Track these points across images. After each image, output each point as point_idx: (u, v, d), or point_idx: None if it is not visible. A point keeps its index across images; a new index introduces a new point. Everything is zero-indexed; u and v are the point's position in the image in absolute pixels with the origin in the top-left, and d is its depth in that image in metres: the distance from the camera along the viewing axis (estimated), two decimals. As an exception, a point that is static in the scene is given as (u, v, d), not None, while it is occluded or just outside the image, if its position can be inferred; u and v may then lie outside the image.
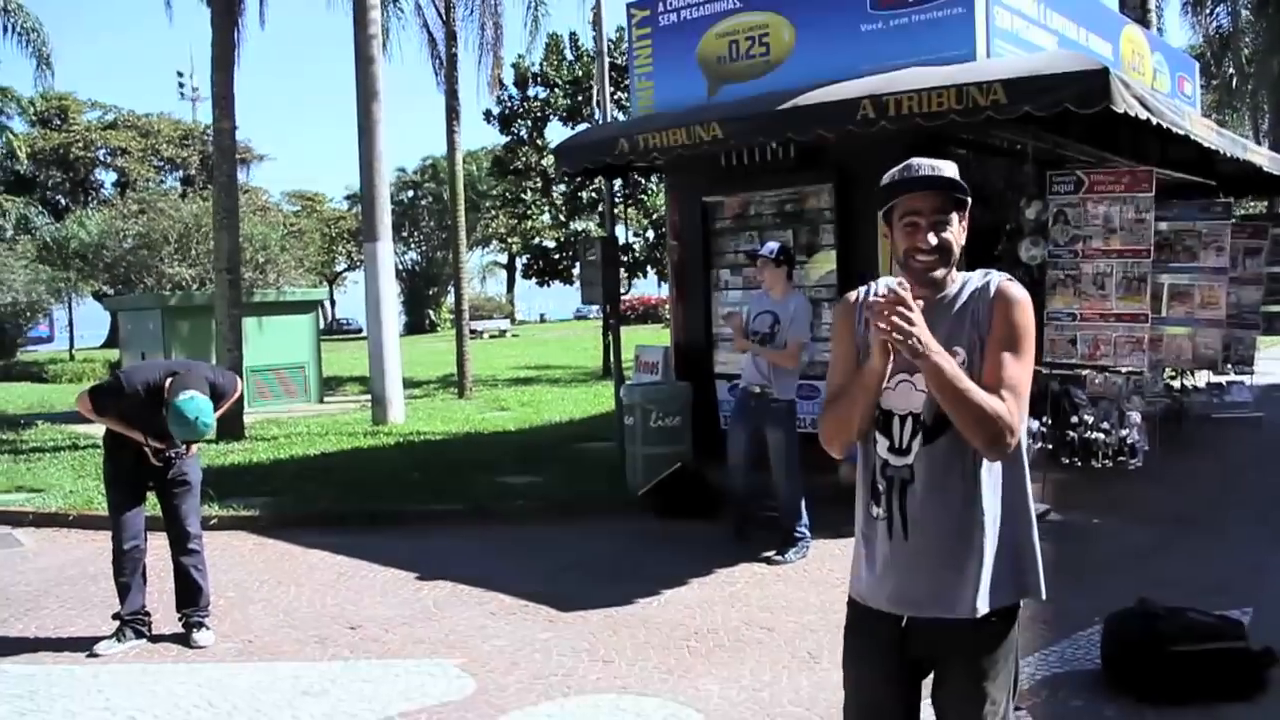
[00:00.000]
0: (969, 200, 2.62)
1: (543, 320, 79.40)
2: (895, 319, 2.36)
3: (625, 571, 6.92)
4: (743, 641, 5.45)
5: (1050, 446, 8.17)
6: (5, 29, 27.58)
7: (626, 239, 21.07)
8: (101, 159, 65.02)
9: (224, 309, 13.28)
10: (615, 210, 11.51)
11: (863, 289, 2.71)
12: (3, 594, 6.95)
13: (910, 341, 2.36)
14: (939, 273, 2.61)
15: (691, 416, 9.03)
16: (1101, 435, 8.04)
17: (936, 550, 2.60)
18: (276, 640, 5.78)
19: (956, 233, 2.62)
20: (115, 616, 5.83)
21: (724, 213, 9.91)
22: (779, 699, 4.64)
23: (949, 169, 2.62)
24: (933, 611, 2.61)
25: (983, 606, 2.57)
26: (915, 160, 2.65)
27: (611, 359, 10.89)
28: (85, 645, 5.77)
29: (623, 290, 11.06)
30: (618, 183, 11.32)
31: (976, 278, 2.63)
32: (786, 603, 6.07)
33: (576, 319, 77.23)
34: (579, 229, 24.87)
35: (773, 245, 7.48)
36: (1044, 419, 8.11)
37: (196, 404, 5.39)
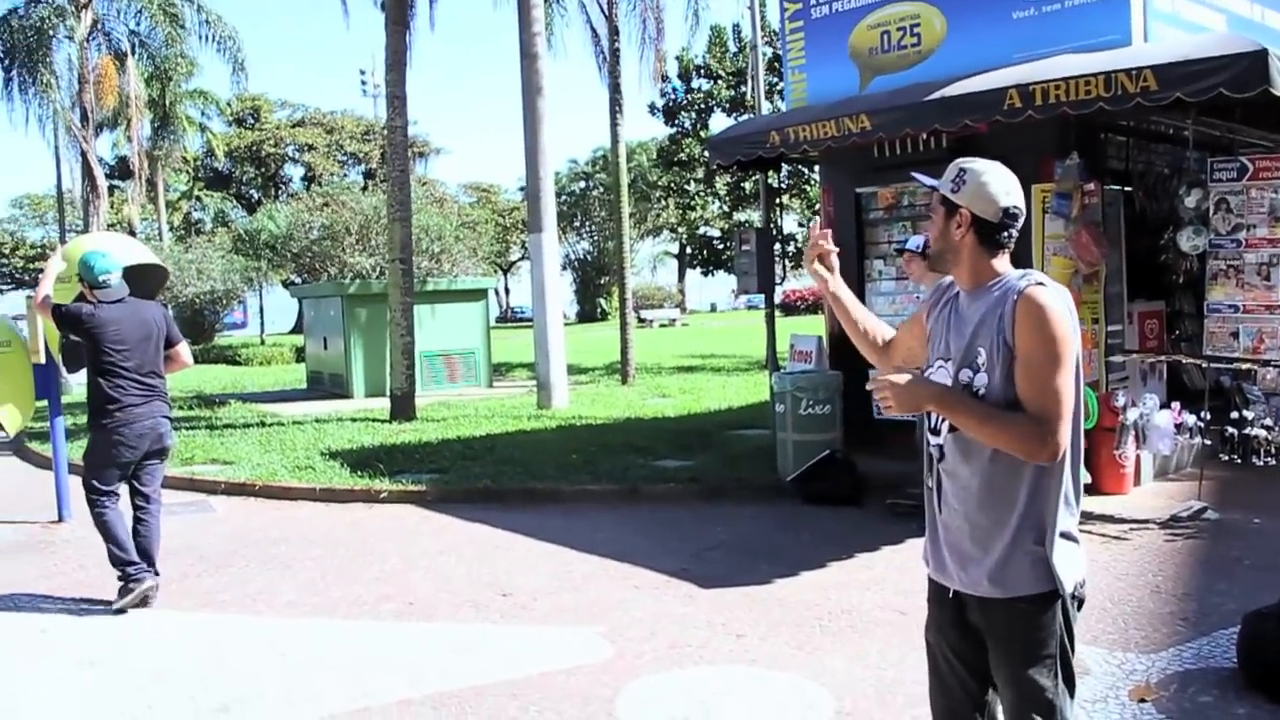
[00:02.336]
0: (955, 202, 2.70)
1: (713, 309, 79.68)
2: (888, 393, 2.60)
3: (766, 553, 7.12)
4: (874, 623, 5.60)
5: (1209, 443, 8.02)
6: (206, 38, 29.47)
7: (786, 229, 21.15)
8: (290, 155, 67.95)
9: (397, 296, 13.96)
10: (773, 201, 11.67)
11: (945, 279, 2.89)
12: (198, 552, 7.60)
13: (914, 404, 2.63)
14: (939, 266, 2.81)
15: (843, 405, 9.15)
16: (1264, 433, 7.83)
17: (957, 528, 2.74)
18: (434, 603, 6.19)
19: (939, 231, 2.76)
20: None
21: (877, 204, 9.97)
22: (903, 679, 4.78)
23: (954, 170, 2.74)
24: (962, 586, 2.75)
25: (996, 589, 2.65)
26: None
27: (768, 347, 11.06)
28: (266, 599, 6.32)
29: (779, 280, 11.20)
30: (782, 173, 11.48)
31: (1014, 277, 2.67)
32: (923, 587, 6.15)
33: (747, 309, 77.24)
34: (743, 219, 25.04)
35: (918, 239, 7.56)
36: (1202, 414, 7.96)
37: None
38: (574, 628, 5.68)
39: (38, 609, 6.43)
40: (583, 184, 66.46)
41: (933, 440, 2.81)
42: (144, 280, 8.92)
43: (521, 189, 69.29)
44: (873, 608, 5.85)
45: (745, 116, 23.85)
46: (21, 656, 5.55)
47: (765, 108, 10.95)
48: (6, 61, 28.81)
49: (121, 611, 6.16)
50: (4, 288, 68.70)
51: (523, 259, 71.89)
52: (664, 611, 5.90)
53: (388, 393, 16.50)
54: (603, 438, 11.43)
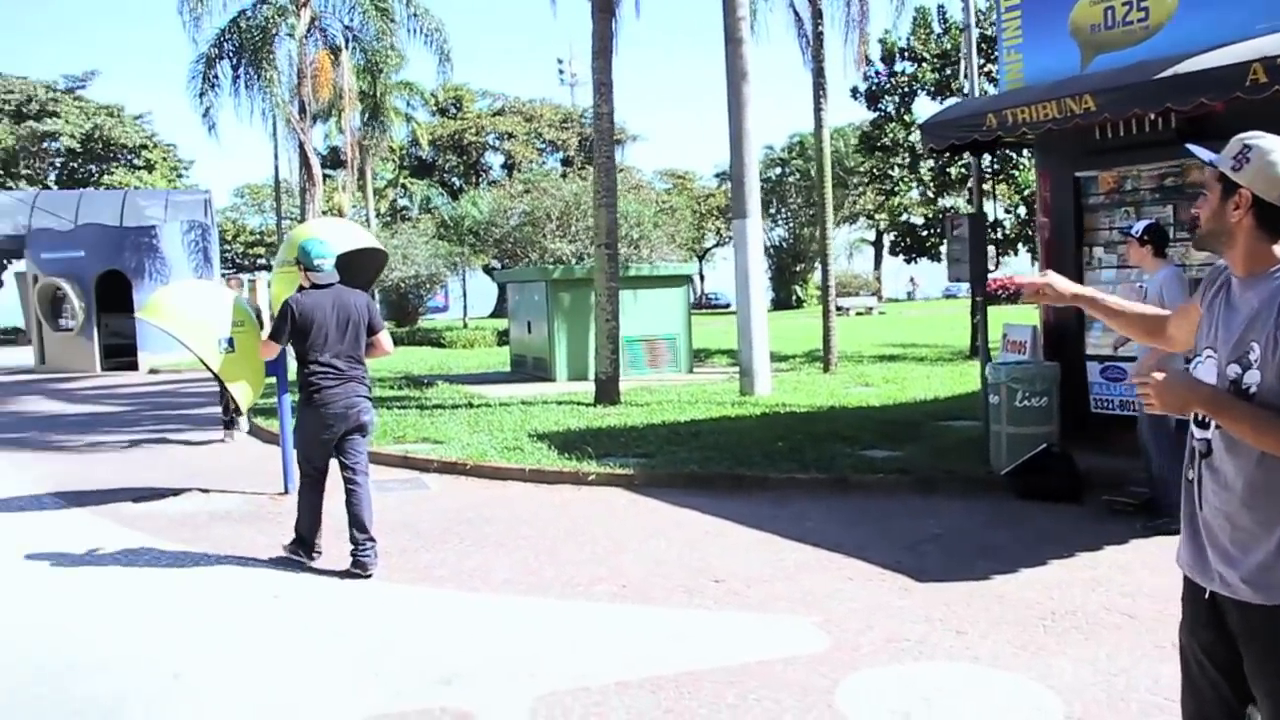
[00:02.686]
0: (1234, 181, 2.52)
1: (909, 298, 78.14)
2: (1152, 392, 2.49)
3: (982, 548, 6.94)
4: (1100, 625, 5.38)
5: None
6: (415, 31, 30.48)
7: (996, 215, 20.52)
8: (491, 143, 69.68)
9: (602, 282, 14.15)
10: (984, 186, 11.33)
11: (1220, 262, 2.72)
12: (414, 529, 7.88)
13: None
14: (1207, 246, 2.66)
15: (1060, 398, 8.84)
16: None
17: (1218, 526, 2.56)
18: (647, 587, 6.25)
19: (1212, 210, 2.59)
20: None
21: (1097, 188, 9.57)
22: (1135, 686, 4.58)
23: (1235, 145, 2.55)
24: (1220, 587, 2.57)
25: (1258, 595, 2.46)
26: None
27: (979, 337, 10.76)
28: (481, 576, 6.50)
29: (991, 268, 10.87)
30: (986, 158, 11.11)
31: None
32: (1150, 590, 5.90)
33: (945, 297, 75.41)
34: (947, 205, 24.48)
35: (1140, 224, 7.23)
36: None
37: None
38: (789, 617, 5.65)
39: (269, 576, 6.78)
40: (778, 170, 66.05)
41: (1199, 434, 2.63)
42: (365, 263, 9.32)
43: (717, 175, 69.51)
44: (1098, 609, 5.63)
45: (950, 100, 23.25)
46: (254, 620, 5.85)
47: (977, 90, 10.60)
48: (235, 59, 30.40)
49: (287, 558, 7.04)
50: (226, 271, 72.59)
51: (717, 246, 72.02)
52: (880, 604, 5.81)
53: (590, 376, 16.77)
54: (807, 426, 11.34)
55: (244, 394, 9.01)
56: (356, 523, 6.71)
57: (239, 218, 75.28)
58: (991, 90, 15.19)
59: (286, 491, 9.26)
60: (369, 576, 6.59)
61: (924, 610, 5.66)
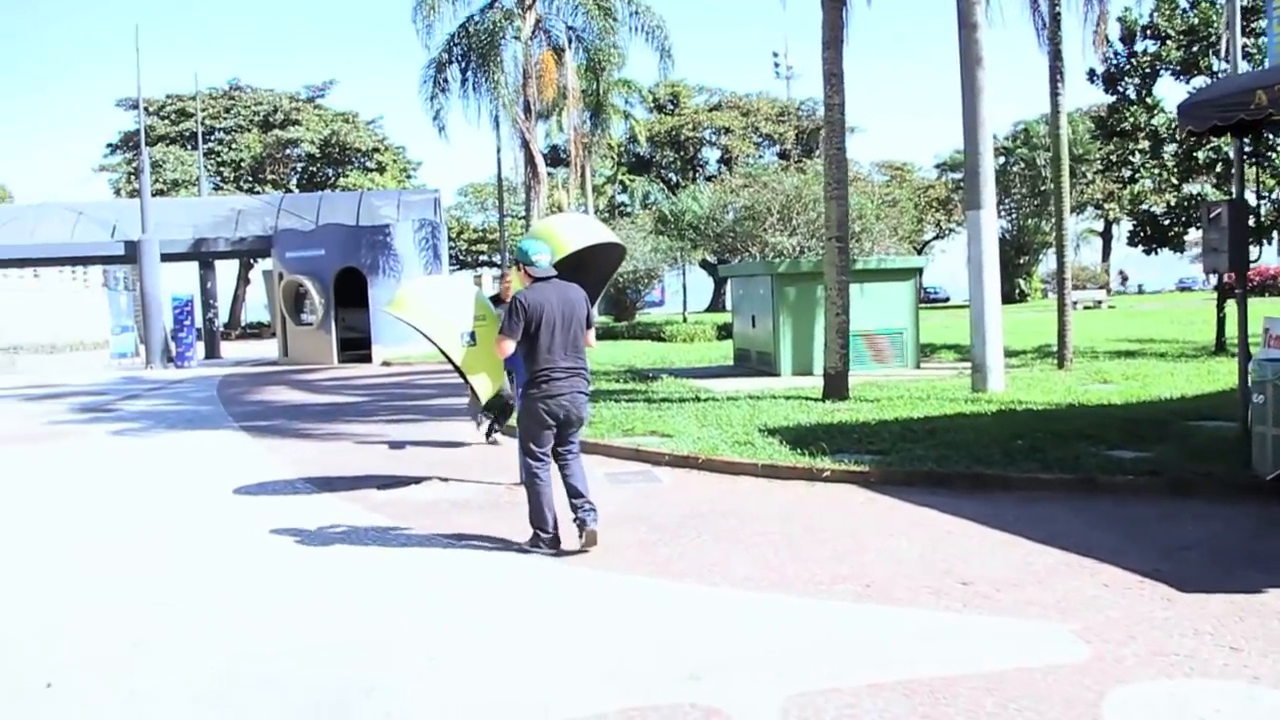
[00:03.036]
0: None
1: (1140, 291, 74.62)
2: None
3: (1252, 558, 6.49)
4: (1399, 646, 4.95)
5: None
6: (636, 29, 30.83)
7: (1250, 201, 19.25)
8: (707, 138, 69.91)
9: (833, 275, 13.93)
10: (1245, 169, 10.61)
11: None
12: (650, 521, 7.92)
13: None
14: None
15: (1332, 396, 8.20)
16: None
17: None
18: (891, 587, 6.09)
19: None
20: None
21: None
22: None
23: None
24: None
25: None
26: None
27: (1238, 332, 10.10)
28: (721, 571, 6.47)
29: (1253, 259, 10.15)
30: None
31: None
32: None
33: (1179, 290, 71.57)
34: (1192, 192, 23.10)
35: None
36: None
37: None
38: (1044, 623, 5.39)
39: (512, 564, 6.92)
40: (1002, 160, 64.00)
41: None
42: (602, 259, 9.42)
43: (937, 166, 68.02)
44: (1397, 632, 5.17)
45: (1198, 79, 21.97)
46: (501, 608, 5.97)
47: (1238, 66, 9.94)
48: (463, 63, 31.41)
49: (525, 552, 7.26)
50: (451, 268, 75.17)
51: (936, 238, 70.33)
52: (1141, 613, 5.49)
53: (815, 371, 16.60)
54: (1046, 424, 10.88)
55: (484, 386, 9.24)
56: (573, 491, 7.22)
57: (463, 215, 77.87)
58: (1246, 68, 14.28)
59: (521, 482, 9.46)
60: (593, 532, 7.09)
61: (1191, 623, 5.32)
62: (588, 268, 9.08)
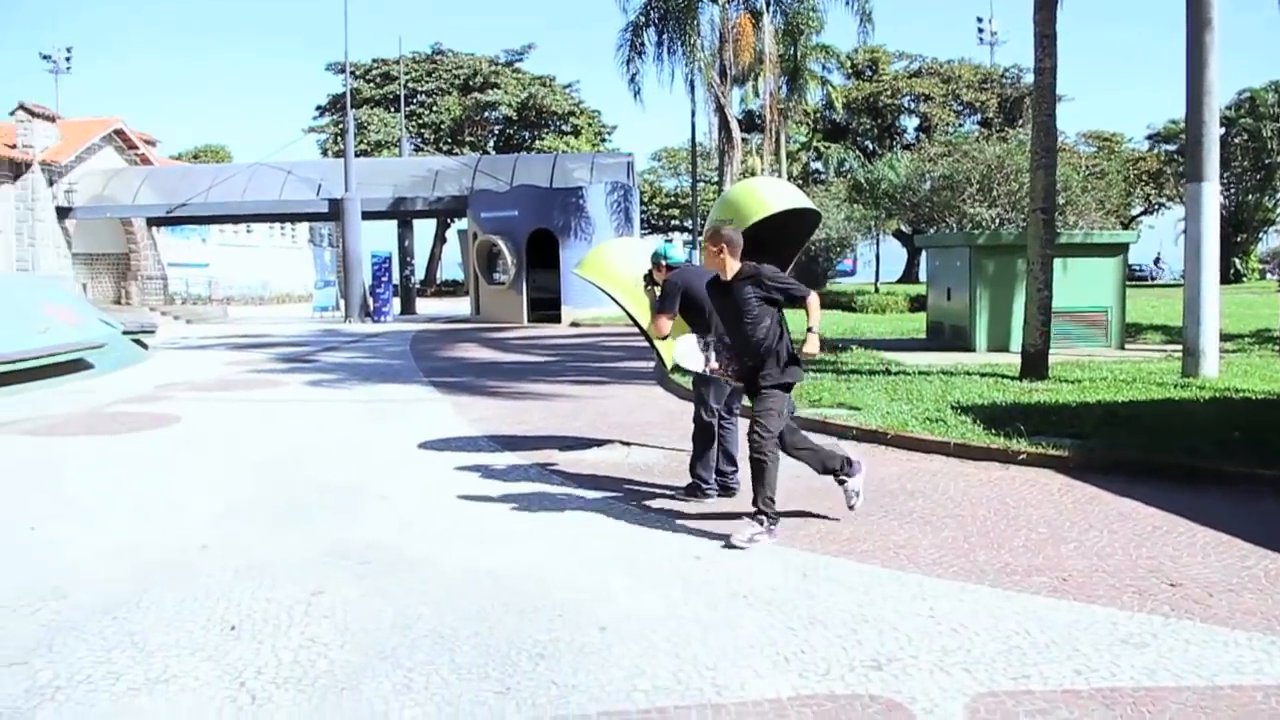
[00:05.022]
0: None
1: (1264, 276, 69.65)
2: None
3: None
4: None
5: None
6: (839, -6, 30.24)
7: None
8: (905, 105, 68.22)
9: (1036, 248, 13.23)
10: None
11: None
12: (835, 497, 7.64)
13: None
14: None
15: None
16: None
17: None
18: (1091, 583, 5.68)
19: None
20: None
21: None
22: None
23: None
24: None
25: None
26: None
27: None
28: (908, 554, 6.17)
29: None
30: None
31: None
32: None
33: None
34: None
35: None
36: None
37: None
38: (1265, 635, 4.93)
39: (690, 533, 6.77)
40: (1222, 130, 60.34)
41: None
42: (798, 223, 9.16)
43: (1149, 138, 64.60)
44: None
45: None
46: (677, 578, 5.80)
47: None
48: (659, 26, 31.31)
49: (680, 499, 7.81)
50: (642, 232, 75.61)
51: (1144, 213, 67.01)
52: (1383, 632, 4.97)
53: (1012, 348, 15.93)
54: (1268, 415, 10.12)
55: (669, 353, 9.12)
56: (728, 456, 7.81)
57: (655, 180, 78.10)
58: None
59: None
60: (732, 494, 7.69)
61: None
62: (782, 233, 8.84)
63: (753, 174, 39.26)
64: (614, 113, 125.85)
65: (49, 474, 9.14)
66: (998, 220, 27.46)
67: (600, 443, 10.05)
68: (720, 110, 31.55)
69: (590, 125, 68.92)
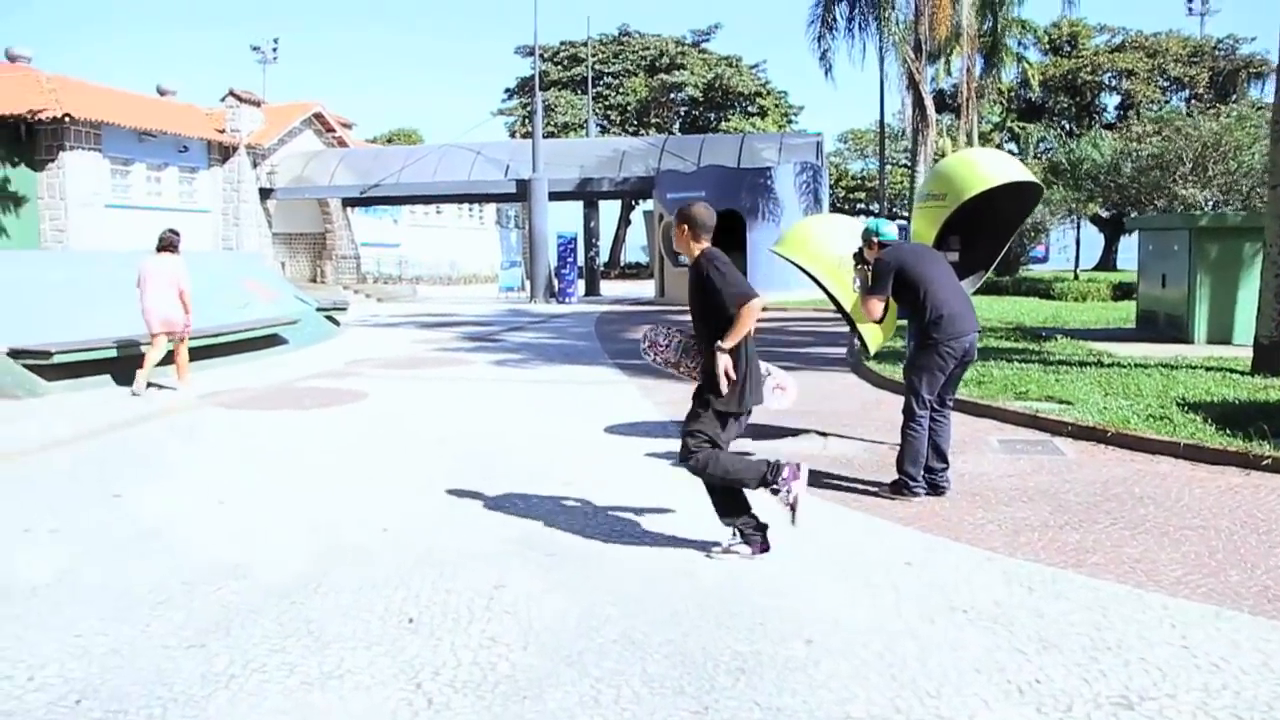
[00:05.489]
0: None
1: None
2: None
3: None
4: None
5: None
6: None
7: None
8: (1106, 82, 65.13)
9: (1274, 229, 11.99)
10: None
11: None
12: (1056, 500, 7.04)
13: None
14: None
15: None
16: None
17: None
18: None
19: None
20: None
21: None
22: None
23: None
24: None
25: None
26: None
27: None
28: (1145, 569, 5.53)
29: None
30: None
31: None
32: None
33: None
34: None
35: None
36: None
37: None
38: None
39: (901, 538, 6.25)
40: None
41: None
42: (1014, 200, 8.52)
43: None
44: None
45: None
46: (892, 585, 5.31)
47: None
48: (852, 1, 30.50)
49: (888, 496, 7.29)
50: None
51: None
52: None
53: (1236, 340, 14.82)
54: None
55: (873, 338, 8.61)
56: (938, 452, 7.19)
57: (841, 163, 76.73)
58: None
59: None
60: (943, 493, 7.14)
61: None
62: (997, 209, 8.24)
63: (944, 155, 37.92)
64: (801, 94, 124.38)
65: (240, 448, 9.22)
66: (1212, 203, 25.76)
67: (795, 432, 9.59)
68: (914, 87, 30.55)
69: (777, 106, 68.08)
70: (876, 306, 7.19)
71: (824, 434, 9.49)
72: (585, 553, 5.97)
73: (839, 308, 8.74)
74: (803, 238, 8.80)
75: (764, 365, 6.25)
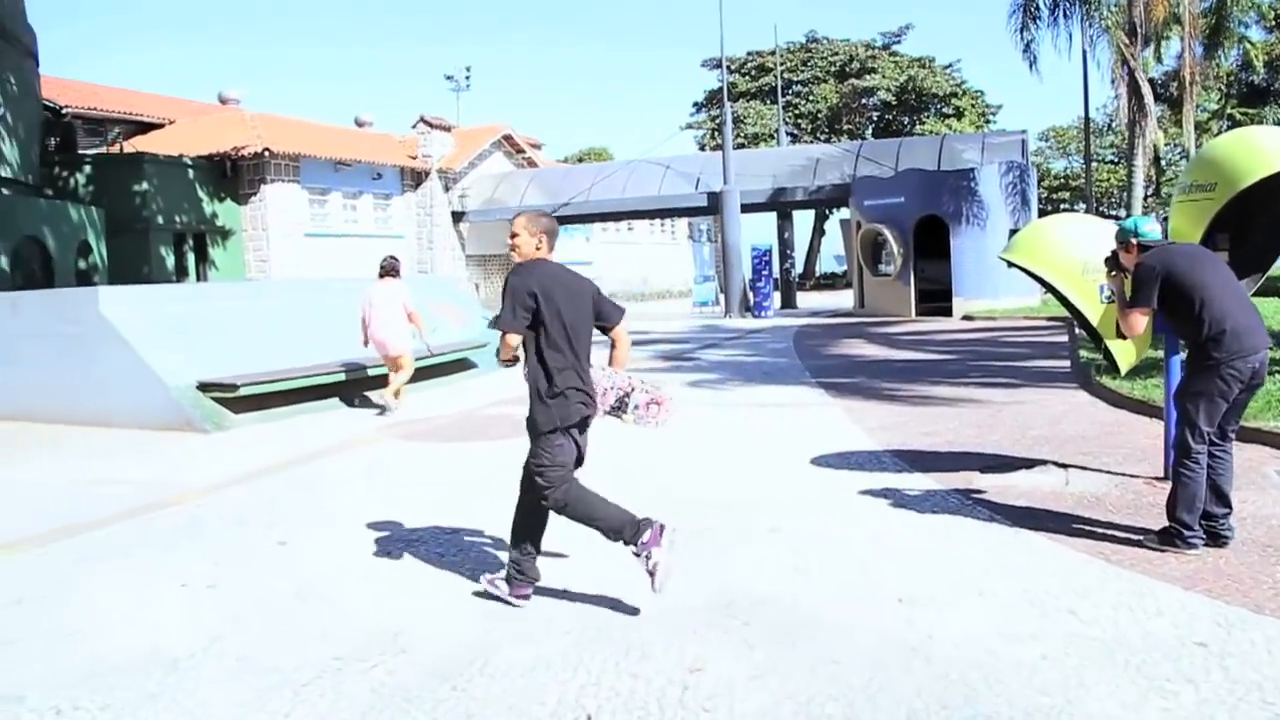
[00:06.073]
0: None
1: None
2: None
3: None
4: None
5: None
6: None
7: None
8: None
9: None
10: None
11: None
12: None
13: None
14: None
15: None
16: None
17: None
18: None
19: None
20: None
21: None
22: None
23: None
24: None
25: None
26: None
27: None
28: None
29: None
30: None
31: None
32: None
33: None
34: None
35: None
36: None
37: None
38: None
39: (1185, 609, 5.04)
40: None
41: None
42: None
43: None
44: None
45: None
46: (1182, 684, 4.20)
47: None
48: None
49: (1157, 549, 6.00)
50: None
51: None
52: None
53: None
54: None
55: (1124, 354, 7.40)
56: (1218, 495, 5.99)
57: (1043, 162, 73.61)
58: None
59: (1166, 476, 7.47)
60: (1225, 543, 5.92)
61: None
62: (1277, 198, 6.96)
63: (1157, 149, 35.39)
64: (998, 93, 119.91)
65: (415, 488, 8.60)
66: None
67: (1030, 463, 8.38)
68: (1130, 75, 28.47)
69: (974, 106, 65.54)
70: (1139, 321, 6.03)
71: (1063, 465, 8.26)
72: (796, 623, 5.02)
73: (1082, 322, 7.56)
74: (1037, 241, 7.65)
75: (624, 378, 5.59)
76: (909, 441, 9.68)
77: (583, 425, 5.45)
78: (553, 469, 5.33)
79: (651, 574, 5.05)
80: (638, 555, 5.09)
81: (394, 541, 6.84)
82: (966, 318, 27.40)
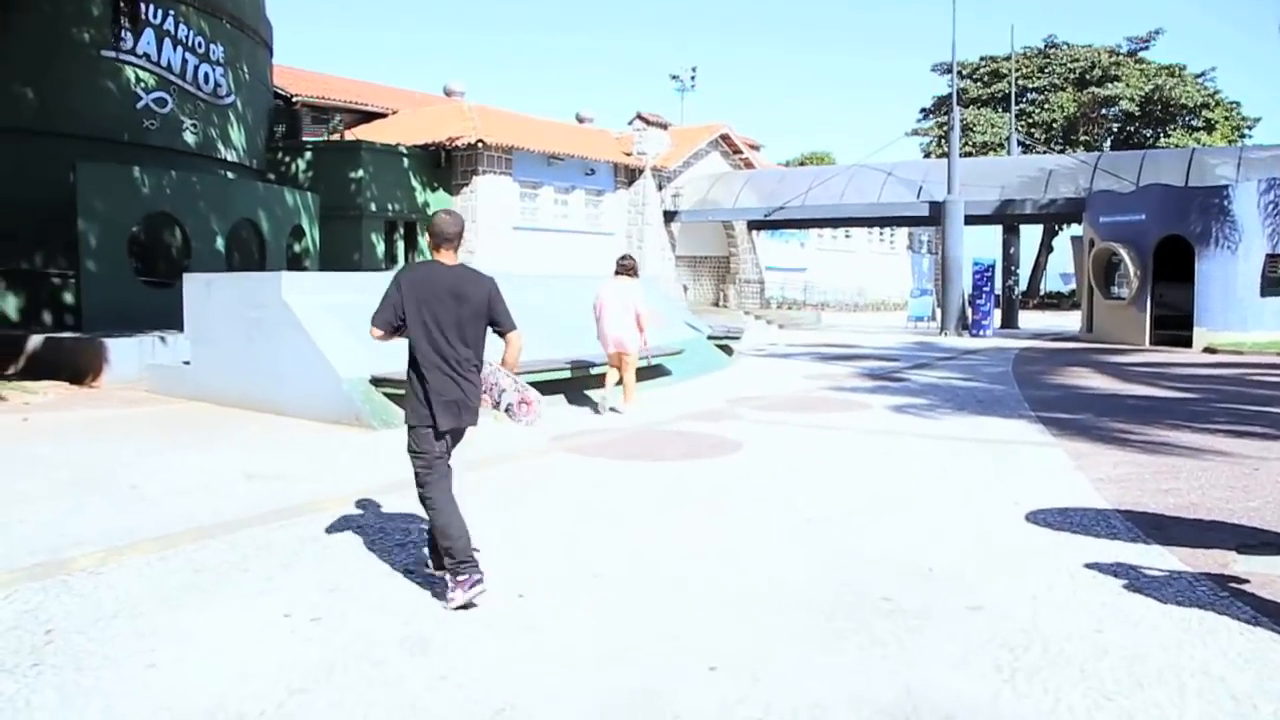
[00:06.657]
0: None
1: None
2: None
3: None
4: None
5: None
6: None
7: None
8: None
9: None
10: None
11: None
12: None
13: None
14: None
15: None
16: None
17: None
18: None
19: None
20: None
21: None
22: None
23: None
24: None
25: None
26: None
27: None
28: None
29: None
30: None
31: None
32: None
33: None
34: None
35: None
36: None
37: None
38: None
39: None
40: None
41: None
42: None
43: None
44: None
45: None
46: None
47: None
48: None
49: None
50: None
51: None
52: None
53: None
54: None
55: None
56: None
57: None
58: None
59: None
60: None
61: None
62: None
63: None
64: (1256, 104, 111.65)
65: (574, 512, 7.74)
66: None
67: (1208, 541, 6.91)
68: None
69: (1227, 119, 61.12)
70: None
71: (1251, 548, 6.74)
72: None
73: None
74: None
75: (507, 377, 5.87)
76: (1144, 500, 8.26)
77: (454, 434, 5.75)
78: (417, 456, 5.68)
79: (446, 597, 5.46)
80: (447, 580, 5.49)
81: (531, 580, 5.98)
82: (1209, 350, 25.02)
